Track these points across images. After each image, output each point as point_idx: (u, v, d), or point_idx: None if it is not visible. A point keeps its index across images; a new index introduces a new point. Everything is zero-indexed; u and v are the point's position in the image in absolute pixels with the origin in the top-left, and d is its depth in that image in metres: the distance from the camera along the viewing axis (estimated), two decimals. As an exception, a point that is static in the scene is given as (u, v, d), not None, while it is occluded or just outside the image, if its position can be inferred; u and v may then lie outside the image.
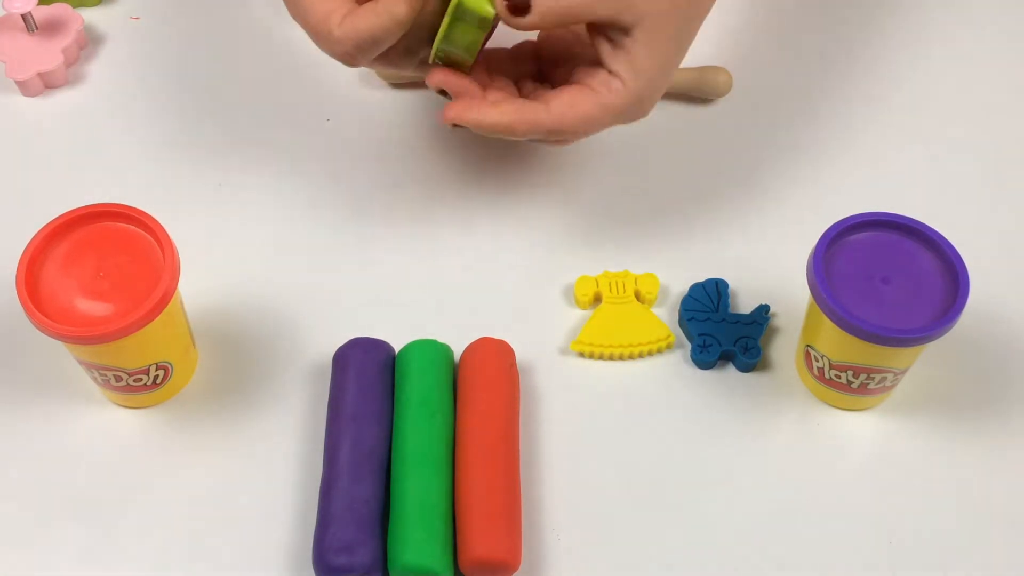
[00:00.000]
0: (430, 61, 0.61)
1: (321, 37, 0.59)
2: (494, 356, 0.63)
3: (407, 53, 0.61)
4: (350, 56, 0.59)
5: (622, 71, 0.59)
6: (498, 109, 0.60)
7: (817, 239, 0.60)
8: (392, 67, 0.62)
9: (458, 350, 0.64)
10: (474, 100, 0.60)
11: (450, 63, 0.61)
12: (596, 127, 0.61)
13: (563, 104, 0.60)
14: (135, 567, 0.59)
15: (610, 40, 0.59)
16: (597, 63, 0.60)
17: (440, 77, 0.61)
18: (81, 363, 0.61)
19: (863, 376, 0.61)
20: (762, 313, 0.66)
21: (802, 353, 0.63)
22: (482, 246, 0.70)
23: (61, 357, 0.63)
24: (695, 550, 0.60)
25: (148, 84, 0.77)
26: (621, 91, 0.60)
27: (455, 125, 0.60)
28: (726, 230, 0.70)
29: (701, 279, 0.67)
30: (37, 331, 0.57)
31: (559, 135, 0.60)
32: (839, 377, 0.61)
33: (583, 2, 0.57)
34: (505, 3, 0.57)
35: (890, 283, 0.59)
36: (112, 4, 0.81)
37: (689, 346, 0.66)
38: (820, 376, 0.63)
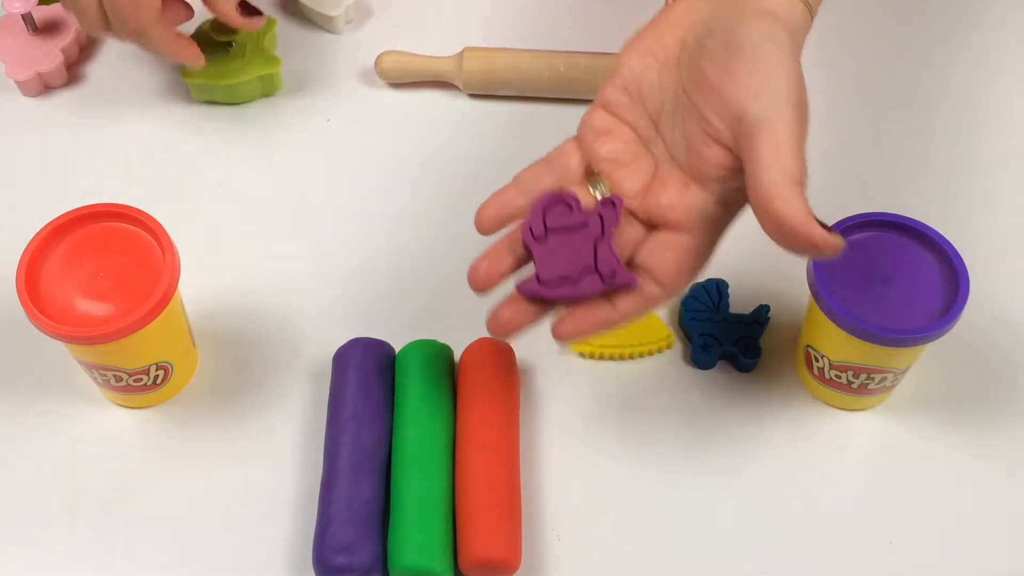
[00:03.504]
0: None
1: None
2: (494, 356, 0.62)
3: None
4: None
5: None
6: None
7: (817, 239, 0.60)
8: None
9: (458, 350, 0.64)
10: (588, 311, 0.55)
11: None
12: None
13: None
14: (135, 567, 0.59)
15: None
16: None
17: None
18: (81, 363, 0.61)
19: (863, 376, 0.61)
20: (762, 313, 0.66)
21: (802, 353, 0.63)
22: (483, 245, 0.70)
23: (61, 357, 0.63)
24: (695, 550, 0.60)
25: (147, 84, 0.77)
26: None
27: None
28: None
29: (701, 279, 0.67)
30: (37, 331, 0.57)
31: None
32: (839, 377, 0.61)
33: None
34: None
35: (890, 283, 0.59)
36: (112, 4, 0.81)
37: (689, 346, 0.66)
38: (820, 376, 0.63)
